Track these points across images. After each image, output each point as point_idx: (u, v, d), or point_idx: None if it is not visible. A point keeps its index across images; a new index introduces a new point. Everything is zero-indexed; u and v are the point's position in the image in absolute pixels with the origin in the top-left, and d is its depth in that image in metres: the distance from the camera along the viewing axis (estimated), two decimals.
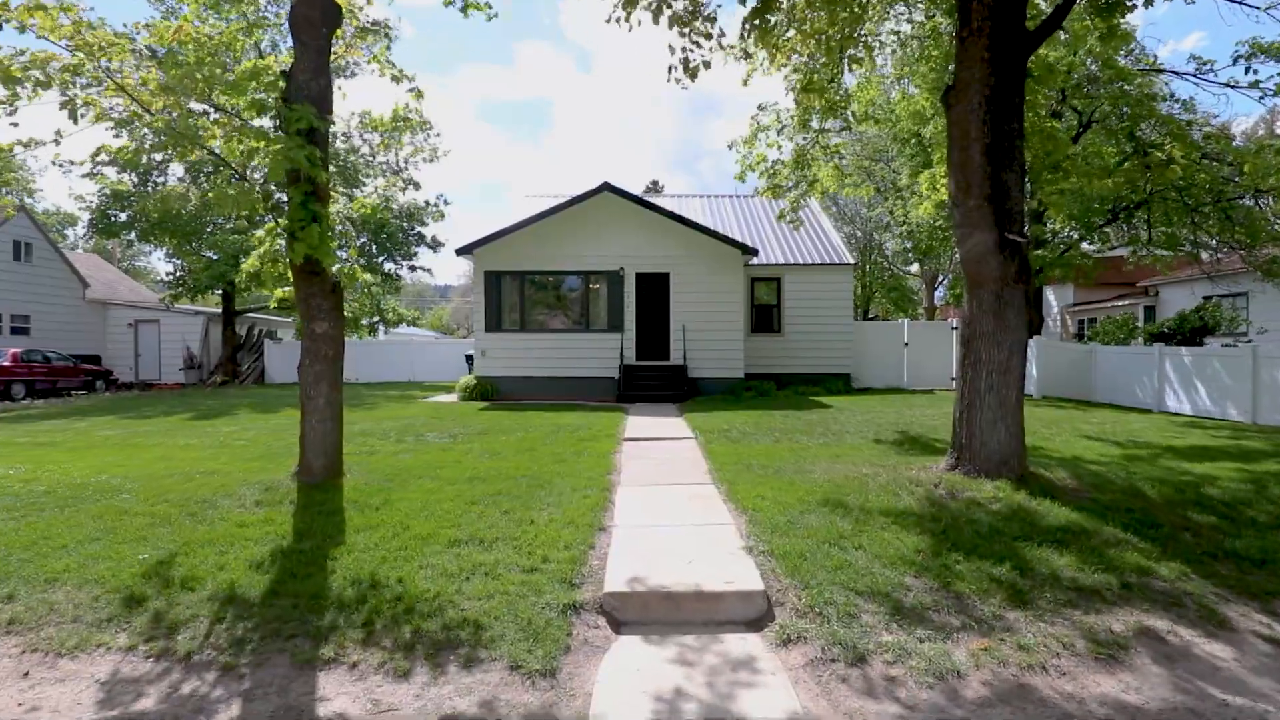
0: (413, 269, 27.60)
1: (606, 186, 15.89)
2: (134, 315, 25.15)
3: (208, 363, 24.58)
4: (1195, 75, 14.92)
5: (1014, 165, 5.90)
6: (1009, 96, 5.84)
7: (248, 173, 5.65)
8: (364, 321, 28.92)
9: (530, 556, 4.52)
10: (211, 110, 5.42)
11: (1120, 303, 25.18)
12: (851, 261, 18.77)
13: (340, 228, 6.20)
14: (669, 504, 5.83)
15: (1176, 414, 12.37)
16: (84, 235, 27.11)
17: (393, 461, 7.53)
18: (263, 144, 4.91)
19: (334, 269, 5.46)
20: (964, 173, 5.79)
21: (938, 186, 11.31)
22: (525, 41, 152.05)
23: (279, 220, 5.36)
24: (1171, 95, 12.68)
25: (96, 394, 20.36)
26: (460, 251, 16.19)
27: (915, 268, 32.29)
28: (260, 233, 5.37)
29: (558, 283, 16.76)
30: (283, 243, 5.25)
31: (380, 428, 10.58)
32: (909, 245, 26.14)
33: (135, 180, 21.79)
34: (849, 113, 9.14)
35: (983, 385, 5.89)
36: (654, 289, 16.47)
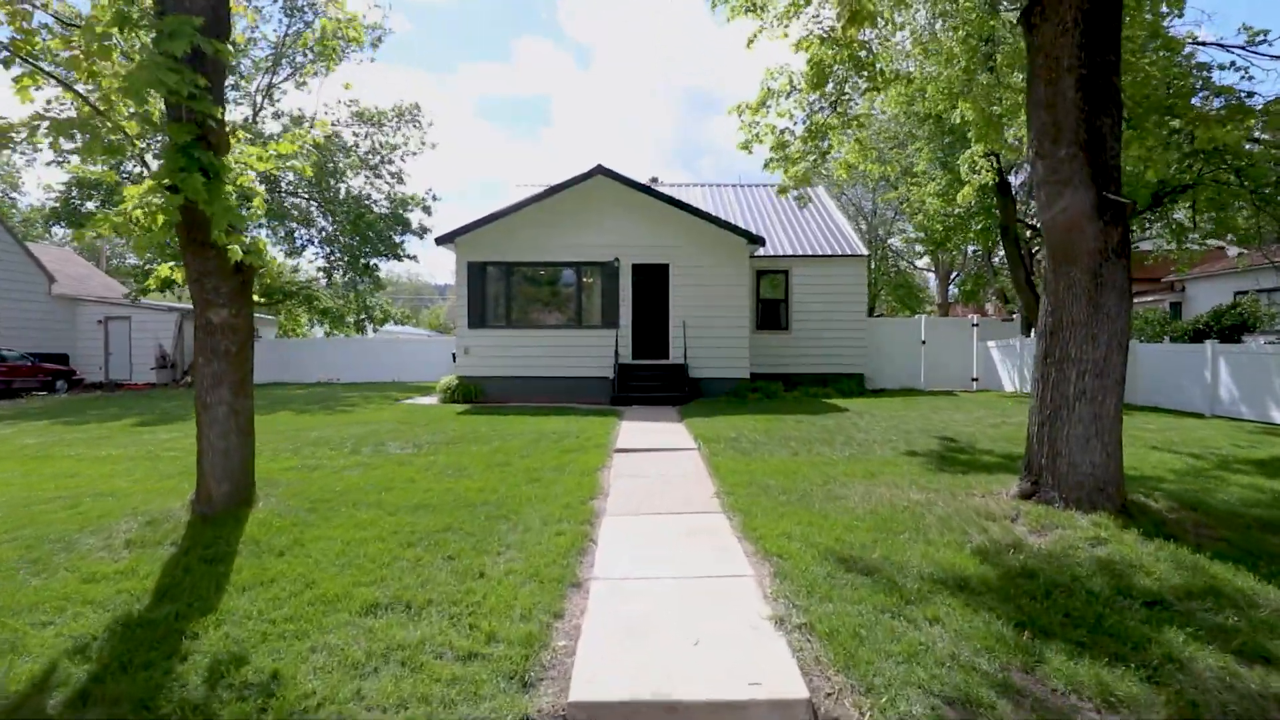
0: (399, 257, 26.32)
1: (600, 169, 14.53)
2: (104, 312, 23.73)
3: (181, 362, 23.17)
4: (1245, 48, 13.59)
5: (1111, 108, 4.57)
6: (1108, 18, 4.52)
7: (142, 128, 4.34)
8: (349, 320, 27.61)
9: (472, 633, 3.21)
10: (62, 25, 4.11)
11: (1143, 299, 23.89)
12: (864, 253, 17.43)
13: (249, 182, 4.78)
14: (667, 544, 4.51)
15: (1236, 419, 11.04)
16: (47, 224, 25.63)
17: (333, 481, 6.21)
18: (113, 60, 3.61)
19: (228, 237, 4.14)
20: (1052, 113, 4.46)
21: (978, 169, 10.01)
22: (523, 38, 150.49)
23: (154, 173, 4.05)
24: (1232, 64, 11.34)
25: (56, 395, 19.01)
26: (441, 240, 14.82)
27: (926, 261, 30.92)
28: (133, 187, 4.06)
29: (548, 275, 15.39)
30: (158, 199, 3.94)
31: (340, 435, 9.27)
32: (920, 237, 24.73)
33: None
34: (876, 70, 7.77)
35: (1072, 390, 4.56)
36: (652, 282, 15.11)
